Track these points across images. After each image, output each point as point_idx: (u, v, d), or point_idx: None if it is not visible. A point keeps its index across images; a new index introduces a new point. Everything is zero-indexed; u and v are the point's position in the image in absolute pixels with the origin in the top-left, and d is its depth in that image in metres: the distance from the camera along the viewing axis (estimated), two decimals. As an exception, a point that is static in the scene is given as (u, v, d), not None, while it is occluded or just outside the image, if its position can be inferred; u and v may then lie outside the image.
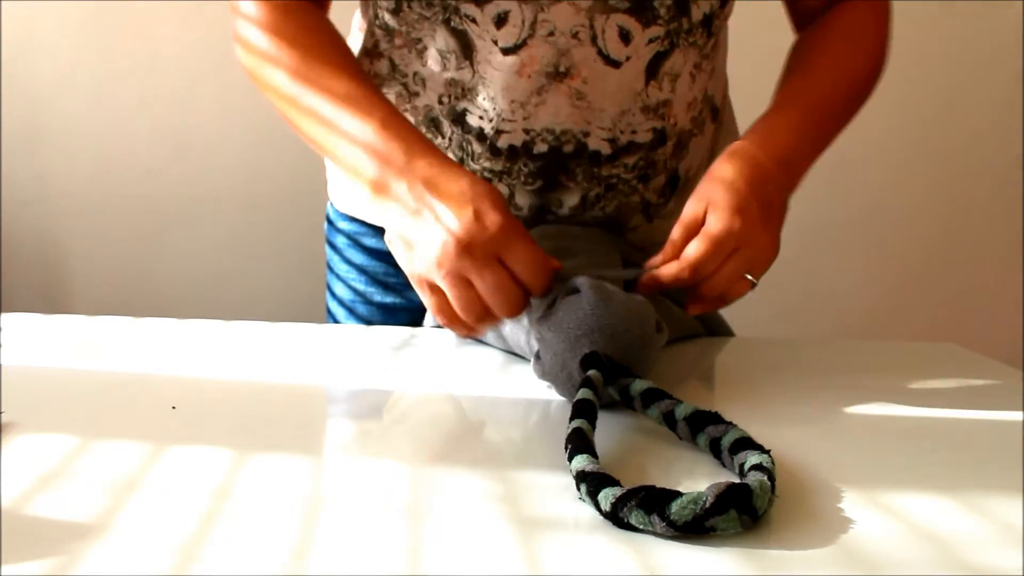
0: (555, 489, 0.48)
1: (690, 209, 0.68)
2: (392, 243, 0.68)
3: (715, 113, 0.86)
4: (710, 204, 0.67)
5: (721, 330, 0.88)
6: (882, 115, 1.88)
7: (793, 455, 0.53)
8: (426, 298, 0.66)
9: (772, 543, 0.43)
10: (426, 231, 0.63)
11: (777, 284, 1.91)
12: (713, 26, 0.79)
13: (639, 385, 0.59)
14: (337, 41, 0.77)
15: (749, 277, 0.68)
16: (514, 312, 0.63)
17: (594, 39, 0.74)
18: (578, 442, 0.50)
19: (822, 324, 1.94)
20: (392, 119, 0.69)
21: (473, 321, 0.64)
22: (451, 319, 0.65)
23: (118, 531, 0.42)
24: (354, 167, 0.69)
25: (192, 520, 0.44)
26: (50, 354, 0.75)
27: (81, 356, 0.74)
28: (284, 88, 0.74)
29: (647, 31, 0.75)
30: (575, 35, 0.74)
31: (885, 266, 1.95)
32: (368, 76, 0.76)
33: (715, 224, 0.66)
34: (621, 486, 0.45)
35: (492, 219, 0.61)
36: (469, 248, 0.61)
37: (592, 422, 0.54)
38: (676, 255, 0.67)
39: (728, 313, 0.90)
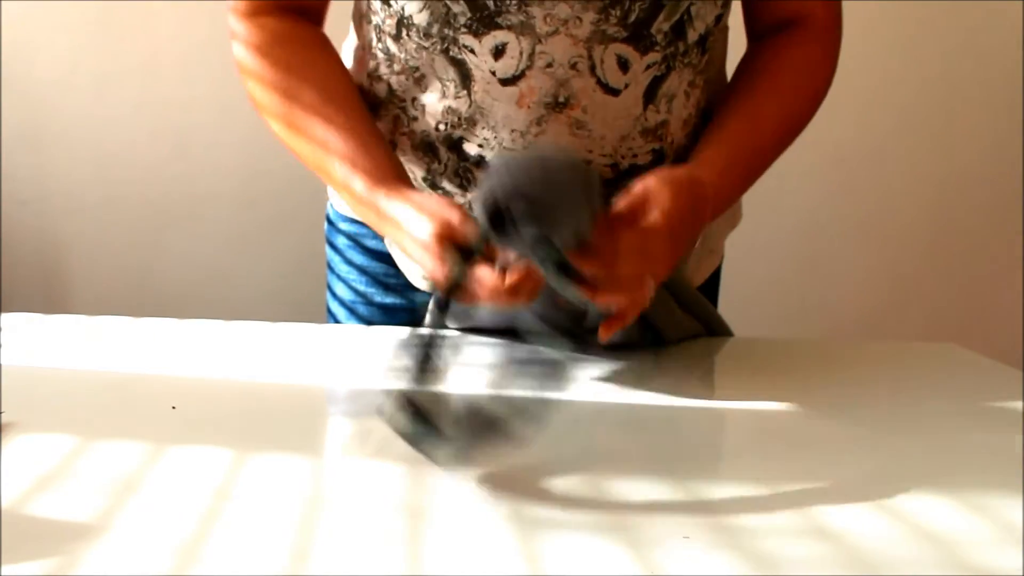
0: (555, 489, 0.48)
1: (639, 190, 0.68)
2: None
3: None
4: (659, 210, 0.67)
5: (721, 330, 0.88)
6: (882, 115, 1.89)
7: (793, 455, 0.53)
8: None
9: (772, 543, 0.43)
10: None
11: (777, 284, 1.93)
12: (707, 43, 0.79)
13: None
14: (319, 76, 0.80)
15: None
16: (532, 296, 0.64)
17: (593, 69, 0.74)
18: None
19: (822, 324, 1.94)
20: (349, 179, 0.74)
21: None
22: None
23: (118, 531, 0.42)
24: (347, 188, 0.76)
25: (192, 520, 0.44)
26: (50, 354, 0.75)
27: (81, 356, 0.74)
28: (274, 116, 0.80)
29: (645, 58, 0.75)
30: (573, 66, 0.74)
31: (885, 266, 1.95)
32: (344, 108, 0.79)
33: (647, 241, 0.65)
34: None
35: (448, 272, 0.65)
36: (452, 295, 0.65)
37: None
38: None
39: (728, 313, 0.90)
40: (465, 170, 0.79)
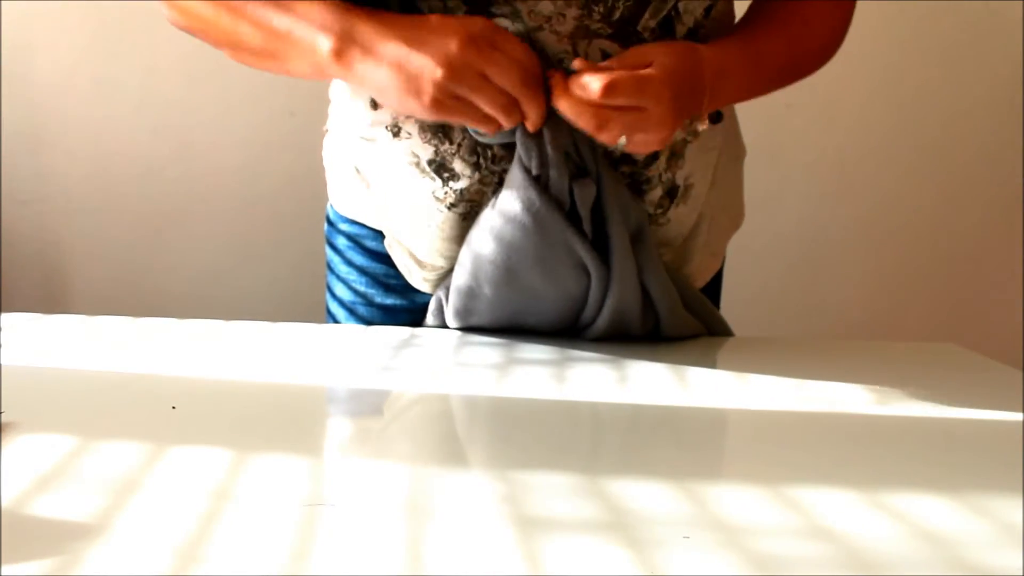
0: (555, 489, 0.48)
1: (638, 52, 0.71)
2: (387, 93, 0.70)
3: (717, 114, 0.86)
4: (655, 62, 0.70)
5: (722, 331, 0.88)
6: (882, 116, 1.89)
7: (793, 455, 0.53)
8: (452, 117, 0.70)
9: (772, 543, 0.43)
10: (421, 54, 0.67)
11: (777, 285, 1.93)
12: (699, 36, 0.79)
13: None
14: None
15: (623, 139, 0.71)
16: (533, 82, 0.68)
17: None
18: None
19: (822, 324, 1.94)
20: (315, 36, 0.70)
21: (503, 112, 0.68)
22: (481, 120, 0.69)
23: (118, 531, 0.42)
24: (310, 47, 0.70)
25: (192, 520, 0.44)
26: (50, 354, 0.75)
27: (81, 356, 0.74)
28: (211, 12, 0.74)
29: None
30: (560, 61, 0.74)
31: (885, 266, 1.95)
32: None
33: (650, 73, 0.69)
34: None
35: (476, 20, 0.68)
36: (472, 39, 0.66)
37: None
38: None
39: (729, 314, 0.90)
40: (484, 147, 0.78)
